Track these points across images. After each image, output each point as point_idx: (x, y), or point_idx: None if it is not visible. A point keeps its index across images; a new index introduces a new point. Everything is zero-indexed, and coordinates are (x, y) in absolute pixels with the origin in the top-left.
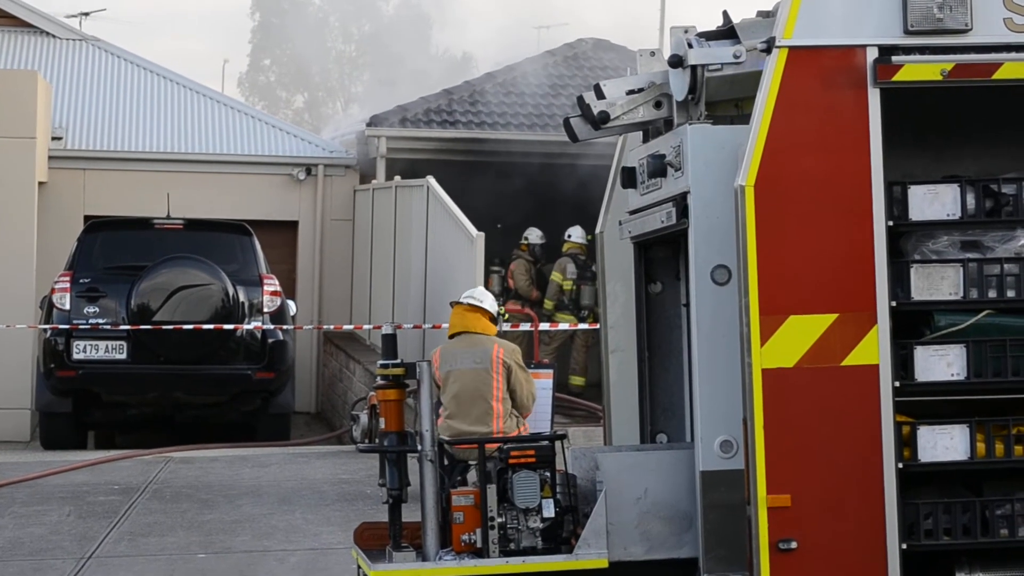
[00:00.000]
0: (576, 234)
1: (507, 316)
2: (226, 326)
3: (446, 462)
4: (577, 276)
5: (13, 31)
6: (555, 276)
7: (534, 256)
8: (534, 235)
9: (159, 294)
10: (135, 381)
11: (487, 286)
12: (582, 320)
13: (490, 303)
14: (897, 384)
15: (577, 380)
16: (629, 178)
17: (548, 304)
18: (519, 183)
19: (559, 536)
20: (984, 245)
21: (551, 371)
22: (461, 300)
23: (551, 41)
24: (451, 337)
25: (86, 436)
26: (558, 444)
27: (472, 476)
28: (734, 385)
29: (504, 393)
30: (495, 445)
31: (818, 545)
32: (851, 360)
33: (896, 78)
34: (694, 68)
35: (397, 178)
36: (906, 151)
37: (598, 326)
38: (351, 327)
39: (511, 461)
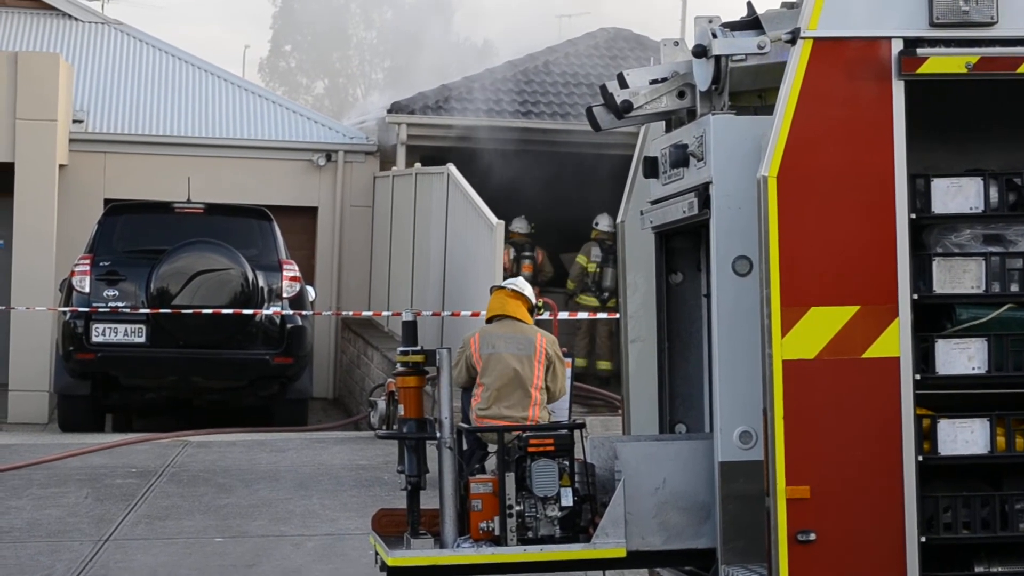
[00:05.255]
0: (604, 222)
1: (542, 306)
2: (245, 311)
3: (465, 447)
4: (602, 259)
5: (36, 13)
6: (580, 259)
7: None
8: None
9: (179, 278)
10: (153, 365)
11: (522, 271)
12: (604, 302)
13: (530, 292)
14: (918, 377)
15: (604, 364)
16: (651, 168)
17: (571, 285)
18: (540, 171)
19: (577, 525)
20: (1007, 239)
21: (569, 360)
22: (504, 286)
23: (573, 30)
24: (490, 320)
25: (104, 419)
26: (577, 433)
27: (491, 464)
28: (754, 376)
29: (543, 382)
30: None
31: (837, 537)
32: (872, 352)
33: (921, 71)
34: (718, 58)
35: (417, 165)
36: (929, 144)
37: (618, 315)
38: (369, 313)
39: (530, 449)
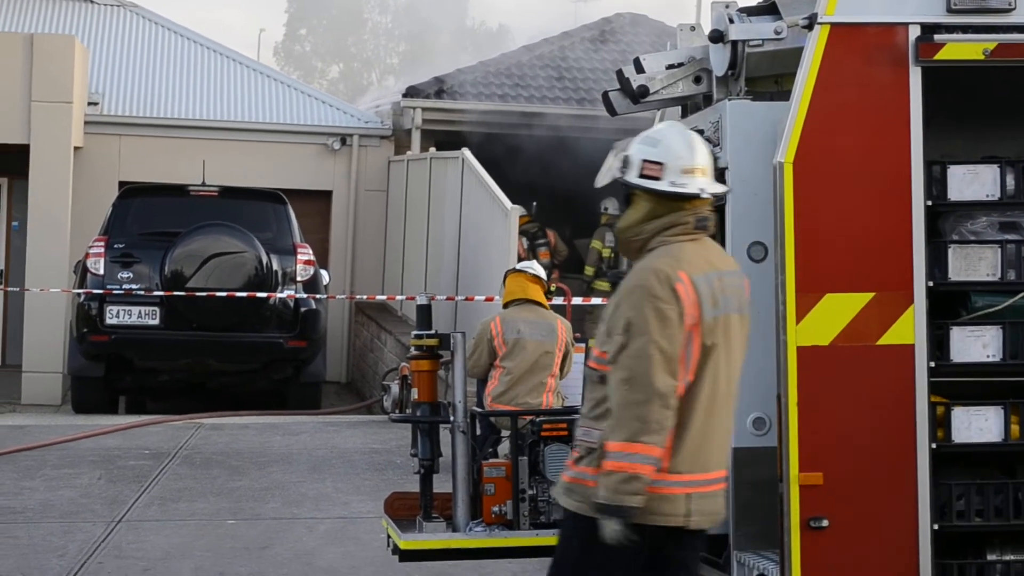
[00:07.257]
0: (612, 206)
1: (555, 290)
2: (259, 294)
3: (479, 431)
4: (615, 244)
5: None
6: (595, 244)
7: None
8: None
9: (193, 261)
10: (167, 347)
11: (540, 259)
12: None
13: (544, 276)
14: (932, 364)
15: None
16: None
17: (589, 271)
18: (554, 156)
19: None
20: (1023, 226)
21: (583, 344)
22: (522, 269)
23: (588, 15)
24: (508, 304)
25: (117, 401)
26: None
27: (504, 448)
28: (768, 362)
29: (558, 370)
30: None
31: (849, 524)
32: (887, 339)
33: (938, 57)
34: (735, 43)
35: (432, 149)
36: (946, 131)
37: None
38: (383, 298)
39: (543, 434)
